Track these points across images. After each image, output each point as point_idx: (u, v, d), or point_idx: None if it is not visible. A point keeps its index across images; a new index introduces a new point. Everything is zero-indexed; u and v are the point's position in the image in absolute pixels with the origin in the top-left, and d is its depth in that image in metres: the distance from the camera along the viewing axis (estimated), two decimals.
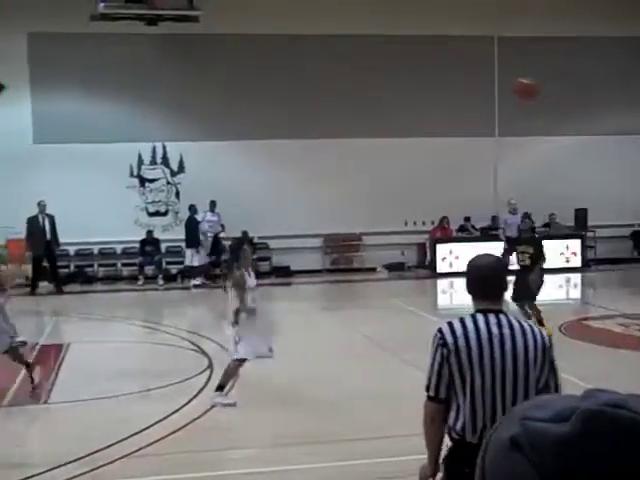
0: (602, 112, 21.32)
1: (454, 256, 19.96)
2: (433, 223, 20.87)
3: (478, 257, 3.84)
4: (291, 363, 10.62)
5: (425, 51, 20.52)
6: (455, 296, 18.21)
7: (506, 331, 3.59)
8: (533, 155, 21.40)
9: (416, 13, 20.20)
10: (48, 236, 18.38)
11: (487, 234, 20.63)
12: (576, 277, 19.89)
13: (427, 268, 20.46)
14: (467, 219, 21.16)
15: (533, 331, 3.65)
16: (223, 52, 19.94)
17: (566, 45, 20.96)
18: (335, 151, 20.36)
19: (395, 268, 20.53)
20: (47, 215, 18.49)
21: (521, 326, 3.64)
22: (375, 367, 10.41)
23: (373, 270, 20.47)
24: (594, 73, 21.14)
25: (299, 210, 20.03)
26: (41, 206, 18.39)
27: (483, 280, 3.69)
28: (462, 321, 3.64)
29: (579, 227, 21.05)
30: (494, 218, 20.86)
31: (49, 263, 18.59)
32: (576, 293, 19.47)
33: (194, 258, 19.26)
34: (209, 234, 19.35)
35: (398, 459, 6.68)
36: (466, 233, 21.10)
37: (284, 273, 20.08)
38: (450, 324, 3.64)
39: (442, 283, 19.31)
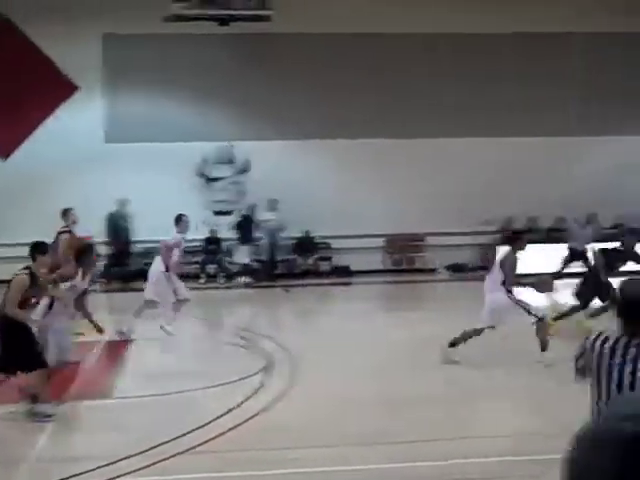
0: None
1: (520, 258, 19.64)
2: (498, 224, 20.54)
3: (630, 283, 4.23)
4: (350, 363, 10.60)
5: (495, 50, 20.26)
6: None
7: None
8: (605, 155, 20.90)
9: (488, 10, 19.92)
10: (125, 234, 18.80)
11: (552, 236, 20.25)
12: None
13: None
14: (533, 220, 20.78)
15: None
16: (292, 52, 20.00)
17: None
18: (398, 151, 20.23)
19: (457, 269, 20.31)
20: (125, 214, 18.87)
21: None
22: (434, 369, 10.29)
23: (434, 271, 20.30)
24: None
25: (361, 210, 19.95)
26: (121, 203, 18.70)
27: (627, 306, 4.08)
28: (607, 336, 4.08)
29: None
30: (560, 220, 20.41)
31: (123, 260, 19.00)
32: None
33: (241, 256, 19.52)
34: (267, 233, 19.56)
35: (461, 461, 6.63)
36: (532, 234, 20.67)
37: (344, 273, 20.07)
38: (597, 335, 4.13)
39: None
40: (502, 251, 11.28)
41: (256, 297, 18.37)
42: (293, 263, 20.16)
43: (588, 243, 17.75)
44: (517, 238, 11.20)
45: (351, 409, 8.54)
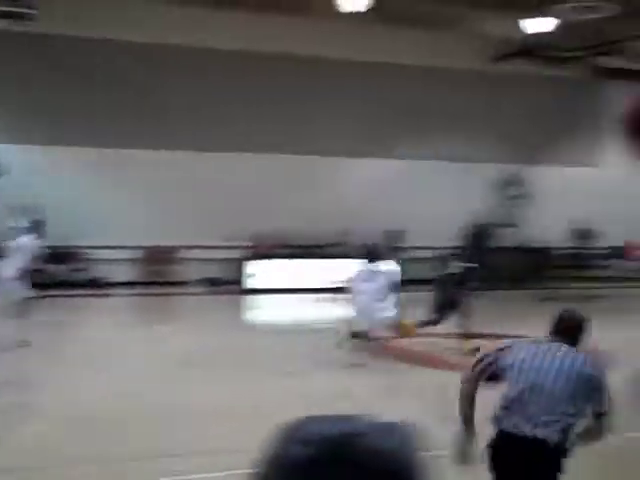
0: (430, 138, 22.66)
1: (269, 272, 20.54)
2: (252, 239, 21.20)
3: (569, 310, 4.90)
4: (101, 376, 10.66)
5: (239, 67, 21.11)
6: (266, 312, 18.77)
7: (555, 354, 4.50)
8: (360, 176, 22.23)
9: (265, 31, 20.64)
10: None
11: (304, 252, 21.17)
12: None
13: (242, 284, 20.73)
14: (285, 236, 21.67)
15: (576, 359, 4.49)
16: (54, 53, 19.61)
17: (399, 71, 22.12)
18: (156, 163, 20.52)
19: (211, 283, 20.75)
20: None
21: (569, 354, 4.52)
22: (185, 382, 10.36)
23: (189, 284, 20.64)
24: (420, 100, 22.34)
25: (120, 221, 19.95)
26: None
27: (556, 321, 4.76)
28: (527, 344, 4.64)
29: (393, 248, 21.95)
30: (313, 237, 21.38)
31: None
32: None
33: None
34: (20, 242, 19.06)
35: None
36: (283, 250, 21.52)
37: (100, 284, 19.96)
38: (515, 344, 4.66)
39: (256, 299, 19.63)
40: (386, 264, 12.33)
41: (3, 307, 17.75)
42: (47, 273, 19.74)
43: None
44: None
45: (100, 426, 8.29)
